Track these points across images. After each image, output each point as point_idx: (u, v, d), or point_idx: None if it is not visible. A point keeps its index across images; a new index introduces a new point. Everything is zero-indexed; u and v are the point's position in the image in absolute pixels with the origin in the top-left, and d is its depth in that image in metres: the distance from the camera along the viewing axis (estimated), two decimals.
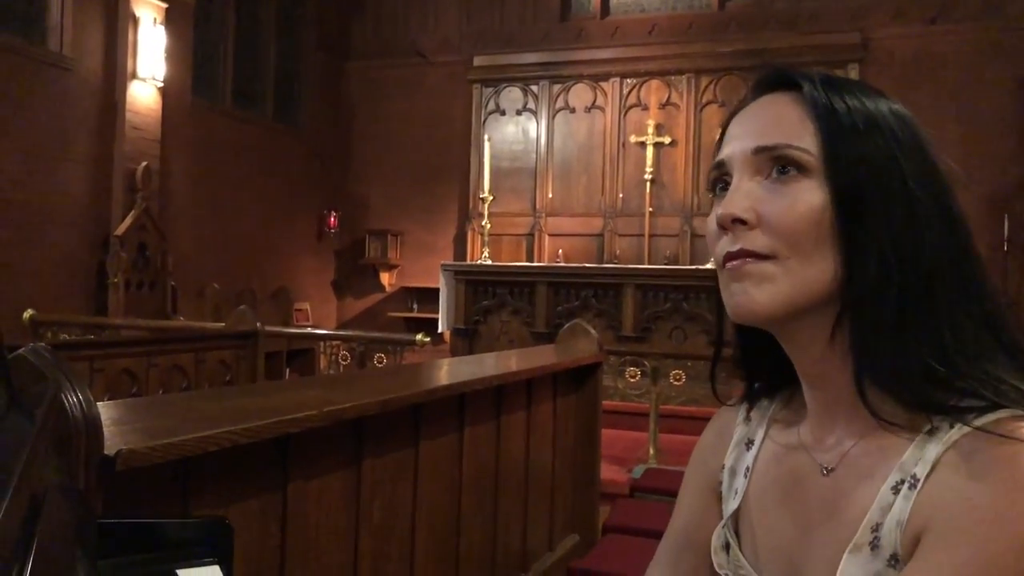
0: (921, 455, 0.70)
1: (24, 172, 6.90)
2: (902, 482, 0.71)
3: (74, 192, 7.40)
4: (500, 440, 3.06)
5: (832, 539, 0.75)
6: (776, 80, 0.82)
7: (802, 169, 0.76)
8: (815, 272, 0.75)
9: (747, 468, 0.89)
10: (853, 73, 8.85)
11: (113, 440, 1.38)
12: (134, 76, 7.67)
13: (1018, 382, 0.70)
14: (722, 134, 0.85)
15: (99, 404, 1.52)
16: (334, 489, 2.08)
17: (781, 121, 0.78)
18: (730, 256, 0.77)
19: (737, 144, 0.80)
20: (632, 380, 5.34)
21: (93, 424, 1.30)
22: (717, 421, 0.97)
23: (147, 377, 4.27)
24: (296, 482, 1.92)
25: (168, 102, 8.05)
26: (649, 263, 8.87)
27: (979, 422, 0.68)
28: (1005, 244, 8.09)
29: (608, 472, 4.75)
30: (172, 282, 8.02)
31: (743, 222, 0.77)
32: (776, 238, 0.75)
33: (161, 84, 7.89)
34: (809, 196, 0.75)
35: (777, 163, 0.77)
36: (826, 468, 0.79)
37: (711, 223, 0.81)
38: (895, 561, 0.70)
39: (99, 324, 6.37)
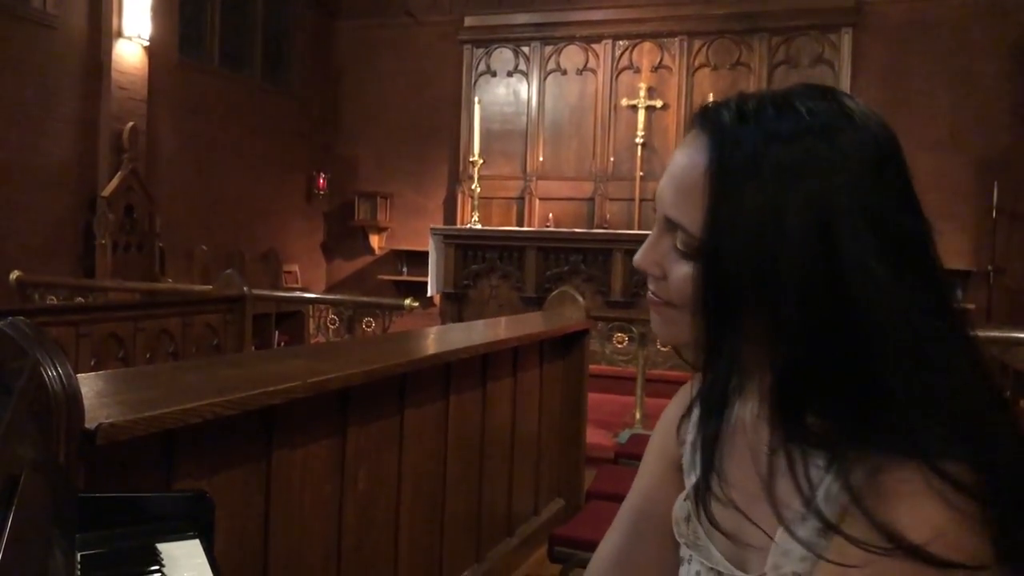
0: (846, 456, 0.74)
1: (8, 133, 6.81)
2: (833, 459, 0.75)
3: (60, 153, 7.32)
4: (486, 407, 3.09)
5: (771, 513, 0.79)
6: (703, 123, 0.82)
7: (695, 252, 0.80)
8: (704, 337, 0.81)
9: None
10: (846, 38, 8.80)
11: (95, 413, 1.38)
12: (120, 35, 7.55)
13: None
14: None
15: (82, 376, 1.52)
16: (319, 458, 2.09)
17: (688, 191, 0.80)
18: (650, 291, 0.87)
19: (662, 192, 0.85)
20: (619, 345, 5.36)
21: (73, 398, 1.30)
22: (682, 395, 1.01)
23: (134, 341, 4.26)
24: (280, 451, 1.93)
25: (154, 62, 7.94)
26: (639, 228, 8.85)
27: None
28: (994, 211, 8.10)
29: (594, 437, 4.79)
30: (160, 244, 7.98)
31: (652, 274, 0.86)
32: (674, 294, 0.84)
33: (147, 43, 7.78)
34: (697, 273, 0.80)
35: (678, 236, 0.82)
36: (771, 448, 0.82)
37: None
38: (825, 532, 0.74)
39: (87, 286, 6.33)
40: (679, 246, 0.82)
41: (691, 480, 0.93)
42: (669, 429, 1.00)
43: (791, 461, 0.76)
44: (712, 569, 0.87)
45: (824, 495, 0.75)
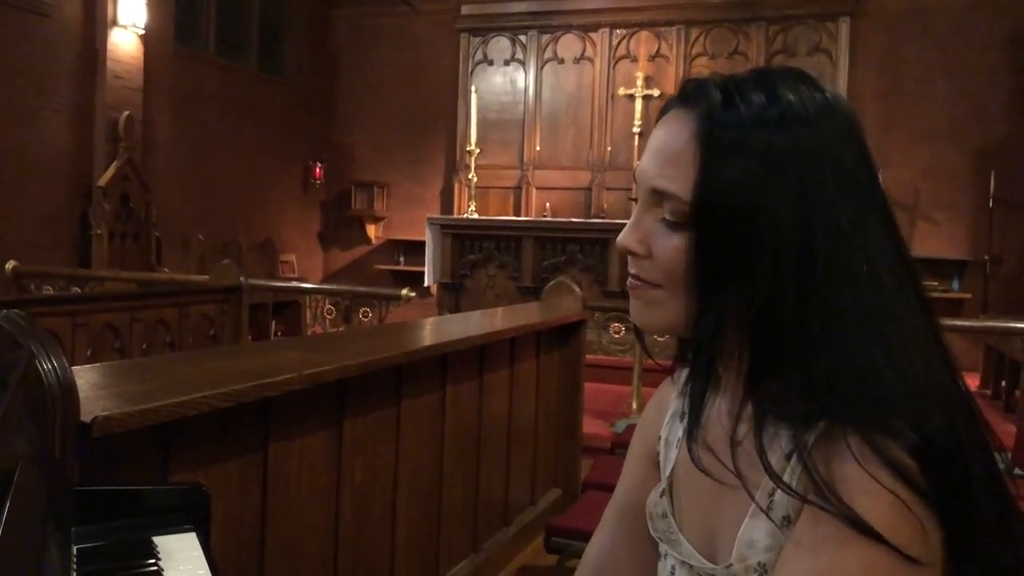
0: (807, 427, 0.76)
1: (2, 122, 6.78)
2: (794, 450, 0.76)
3: (55, 142, 7.29)
4: (483, 398, 3.09)
5: (738, 505, 0.81)
6: (688, 97, 0.84)
7: (685, 218, 0.80)
8: (697, 305, 0.81)
9: (678, 439, 0.94)
10: (844, 27, 8.78)
11: (90, 406, 1.38)
12: (115, 23, 7.50)
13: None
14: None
15: (77, 369, 1.52)
16: (315, 449, 2.09)
17: (675, 159, 0.81)
18: (630, 275, 0.86)
19: (644, 167, 0.85)
20: (616, 335, 5.36)
21: (68, 391, 1.30)
22: (658, 394, 1.04)
23: (130, 332, 4.26)
24: (277, 443, 1.93)
25: (150, 50, 7.89)
26: None
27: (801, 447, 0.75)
28: (991, 201, 8.10)
29: (591, 427, 4.79)
30: (156, 233, 7.96)
31: (637, 254, 0.85)
32: (660, 273, 0.83)
33: (143, 31, 7.74)
34: (686, 244, 0.80)
35: (666, 207, 0.82)
36: (736, 441, 0.84)
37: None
38: (787, 522, 0.76)
39: (83, 276, 6.32)
40: (668, 216, 0.81)
41: (665, 477, 0.95)
42: (648, 426, 1.01)
43: (759, 437, 0.77)
44: (685, 563, 0.88)
45: (789, 475, 0.76)
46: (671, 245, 0.81)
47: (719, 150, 0.78)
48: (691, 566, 0.87)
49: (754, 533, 0.78)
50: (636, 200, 0.89)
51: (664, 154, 0.83)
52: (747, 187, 0.77)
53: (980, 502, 0.71)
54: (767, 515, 0.77)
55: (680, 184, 0.80)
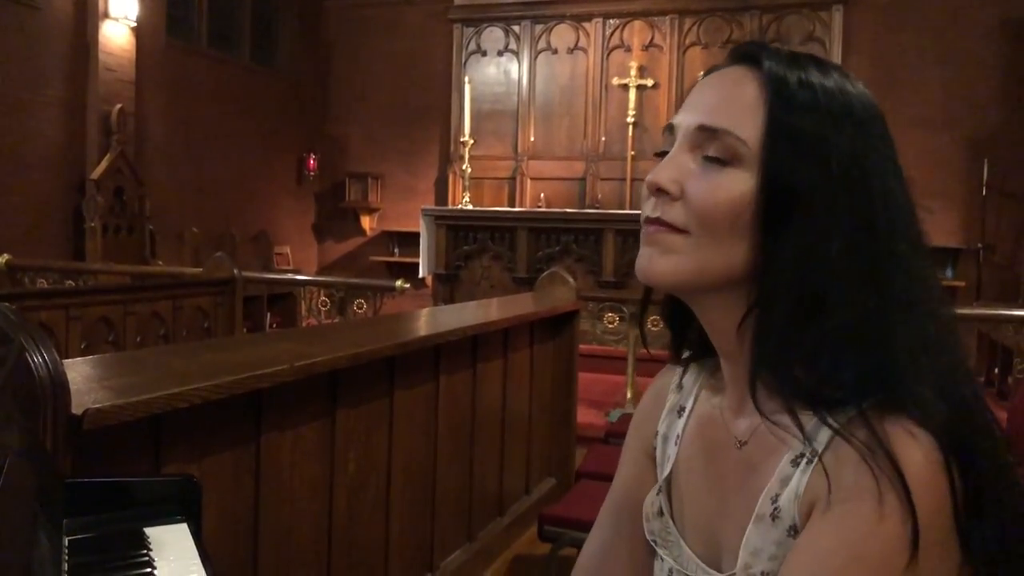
0: (818, 432, 0.73)
1: None
2: (801, 456, 0.75)
3: (48, 135, 7.27)
4: (476, 388, 3.09)
5: (743, 509, 0.78)
6: (746, 53, 0.82)
7: (736, 158, 0.77)
8: (723, 256, 0.77)
9: (677, 436, 0.91)
10: (837, 16, 8.78)
11: (81, 398, 1.38)
12: (106, 16, 7.48)
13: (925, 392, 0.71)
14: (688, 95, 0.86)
15: (68, 361, 1.52)
16: (308, 440, 2.10)
17: (733, 102, 0.78)
18: (648, 220, 0.80)
19: (688, 114, 0.81)
20: (610, 325, 5.38)
21: (59, 384, 1.30)
22: (654, 386, 1.00)
23: (124, 325, 4.26)
24: (270, 434, 1.94)
25: (142, 43, 7.87)
26: (630, 208, 8.86)
27: (833, 422, 0.71)
28: (984, 189, 8.12)
29: (586, 416, 4.81)
30: (150, 226, 7.95)
31: (667, 192, 0.79)
32: (692, 216, 0.77)
33: (134, 24, 7.72)
34: (735, 184, 0.76)
35: (714, 145, 0.77)
36: (740, 441, 0.82)
37: (645, 181, 0.83)
38: (793, 531, 0.74)
39: (76, 269, 6.31)
40: (716, 154, 0.77)
41: (663, 473, 0.92)
42: (644, 420, 0.98)
43: (789, 412, 0.74)
44: (682, 572, 0.86)
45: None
46: (715, 183, 0.76)
47: (790, 96, 0.76)
48: (687, 574, 0.85)
49: (759, 541, 0.75)
50: (661, 155, 0.83)
51: (719, 96, 0.79)
52: (816, 134, 0.75)
53: (996, 487, 0.71)
54: (772, 521, 0.75)
55: (737, 120, 0.77)
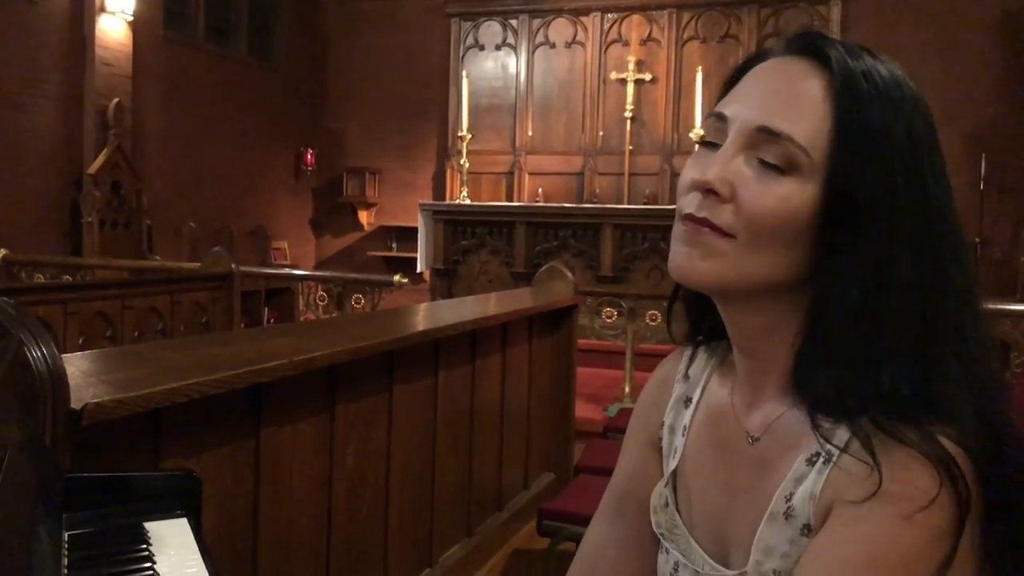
0: (836, 432, 0.72)
1: None
2: (817, 455, 0.73)
3: (44, 130, 7.25)
4: (475, 383, 3.09)
5: (754, 506, 0.77)
6: (809, 46, 0.77)
7: (794, 166, 0.74)
8: (769, 265, 0.75)
9: (684, 427, 0.89)
10: (836, 10, 8.77)
11: (81, 393, 1.38)
12: (102, 10, 7.45)
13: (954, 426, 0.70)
14: (735, 78, 0.81)
15: (67, 356, 1.52)
16: (307, 435, 2.10)
17: (796, 102, 0.75)
18: (692, 219, 0.76)
19: (745, 108, 0.77)
20: (608, 320, 5.38)
21: (58, 378, 1.30)
22: (658, 375, 0.98)
23: (122, 320, 4.25)
24: (269, 429, 1.94)
25: (139, 37, 7.85)
26: (628, 202, 8.86)
27: (884, 423, 0.70)
28: (981, 183, 8.12)
29: (584, 411, 4.81)
30: (147, 221, 7.94)
31: (716, 193, 0.75)
32: (741, 221, 0.74)
33: (131, 18, 7.69)
34: (792, 195, 0.73)
35: (773, 150, 0.74)
36: (752, 436, 0.80)
37: (687, 171, 0.79)
38: (807, 530, 0.72)
39: (74, 264, 6.30)
40: (775, 160, 0.73)
41: (670, 465, 0.90)
42: (648, 410, 0.96)
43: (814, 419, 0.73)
44: (688, 566, 0.84)
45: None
46: (771, 191, 0.73)
47: (859, 96, 0.73)
48: (696, 571, 0.83)
49: (772, 539, 0.74)
50: (703, 143, 0.79)
51: (781, 94, 0.75)
52: (881, 128, 0.72)
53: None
54: (786, 520, 0.73)
55: (800, 125, 0.73)
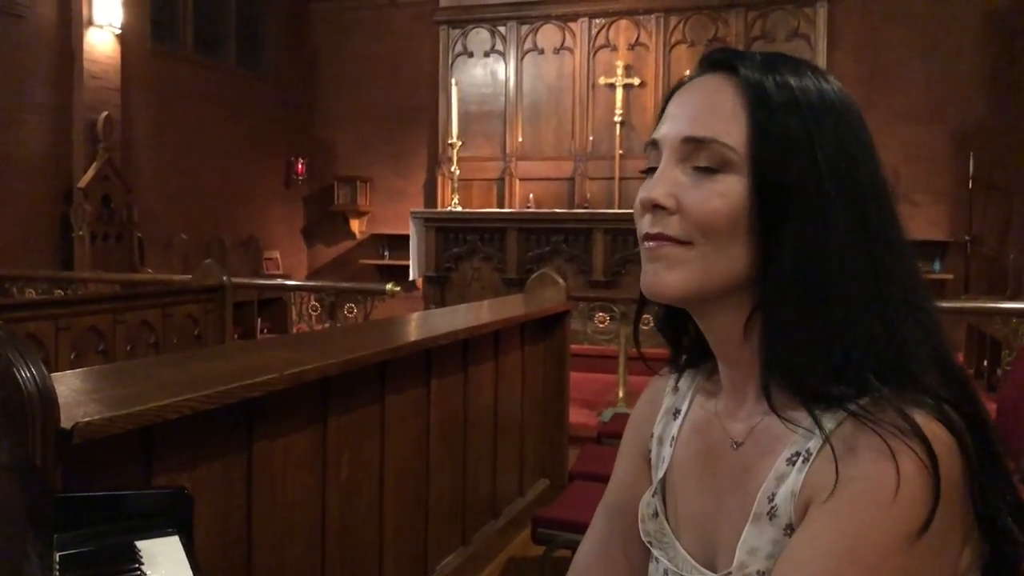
0: (814, 431, 0.74)
1: None
2: (797, 455, 0.75)
3: (34, 144, 7.24)
4: (468, 391, 3.10)
5: (739, 509, 0.79)
6: (719, 60, 0.83)
7: (726, 164, 0.78)
8: (729, 261, 0.78)
9: (672, 438, 0.92)
10: (822, 11, 8.81)
11: (71, 412, 1.38)
12: (90, 23, 7.46)
13: (922, 393, 0.72)
14: (663, 108, 0.86)
15: (56, 375, 1.52)
16: (300, 447, 2.10)
17: (714, 109, 0.80)
18: (649, 236, 0.81)
19: (671, 126, 0.82)
20: (601, 325, 5.39)
21: (47, 398, 1.30)
22: (650, 390, 1.01)
23: (114, 334, 4.24)
24: (261, 443, 1.93)
25: (127, 49, 7.85)
26: (619, 207, 8.87)
27: (852, 407, 0.72)
28: (970, 182, 8.15)
29: (578, 416, 4.82)
30: (138, 234, 7.93)
31: (664, 207, 0.79)
32: (693, 226, 0.78)
33: (119, 31, 7.69)
34: (728, 190, 0.78)
35: (703, 155, 0.79)
36: (736, 442, 0.82)
37: (637, 197, 0.83)
38: (790, 530, 0.74)
39: (65, 278, 6.29)
40: (706, 163, 0.78)
41: (658, 474, 0.92)
42: (640, 424, 0.98)
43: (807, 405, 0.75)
44: (677, 572, 0.86)
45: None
46: (710, 191, 0.77)
47: (769, 98, 0.78)
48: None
49: (756, 540, 0.76)
50: (648, 172, 0.84)
51: (700, 106, 0.81)
52: (800, 130, 0.77)
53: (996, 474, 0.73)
54: (769, 520, 0.75)
55: (722, 128, 0.78)
